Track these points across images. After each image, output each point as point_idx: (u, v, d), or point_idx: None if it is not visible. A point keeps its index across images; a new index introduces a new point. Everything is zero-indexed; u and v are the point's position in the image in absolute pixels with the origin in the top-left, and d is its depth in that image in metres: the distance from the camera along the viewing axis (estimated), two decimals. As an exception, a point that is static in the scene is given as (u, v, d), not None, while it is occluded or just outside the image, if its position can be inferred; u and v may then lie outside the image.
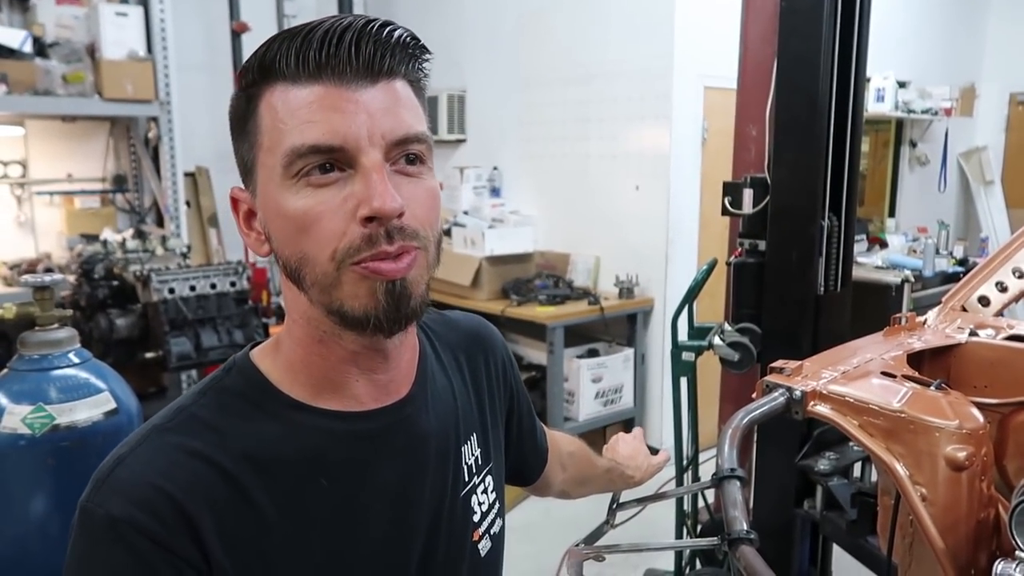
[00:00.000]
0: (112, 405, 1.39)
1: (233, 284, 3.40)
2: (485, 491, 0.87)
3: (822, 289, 2.21)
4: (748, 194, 2.31)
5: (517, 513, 3.64)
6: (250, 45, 4.59)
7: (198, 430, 0.69)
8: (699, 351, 2.51)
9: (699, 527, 2.69)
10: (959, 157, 6.11)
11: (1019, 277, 1.40)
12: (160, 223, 4.50)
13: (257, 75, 0.68)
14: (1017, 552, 0.80)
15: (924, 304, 3.83)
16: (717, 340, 2.35)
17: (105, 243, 3.84)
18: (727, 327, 2.35)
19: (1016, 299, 1.39)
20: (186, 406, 0.72)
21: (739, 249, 2.37)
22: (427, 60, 0.72)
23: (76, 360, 1.43)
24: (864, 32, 2.17)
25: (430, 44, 0.73)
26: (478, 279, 4.32)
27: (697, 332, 2.53)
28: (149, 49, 4.17)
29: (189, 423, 0.70)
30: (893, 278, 4.12)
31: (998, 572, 0.80)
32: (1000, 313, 1.38)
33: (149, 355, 3.25)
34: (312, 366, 0.73)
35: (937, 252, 4.47)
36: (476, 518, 0.85)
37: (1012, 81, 6.05)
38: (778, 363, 1.04)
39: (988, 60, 6.16)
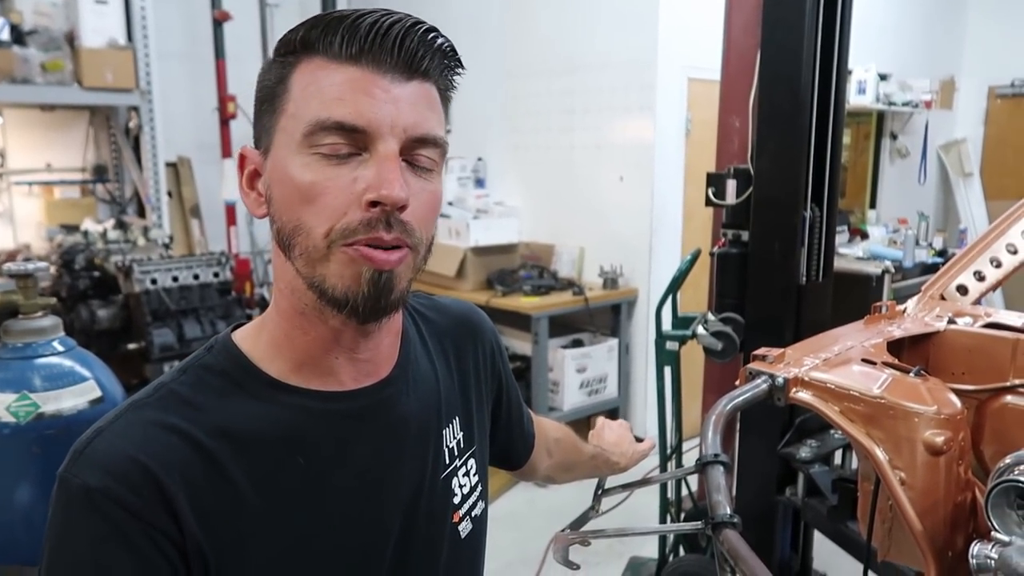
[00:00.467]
0: (97, 393, 1.38)
1: (216, 275, 3.39)
2: (467, 474, 0.88)
3: (804, 279, 2.23)
4: (731, 185, 2.33)
5: (502, 502, 3.66)
6: (232, 34, 4.56)
7: (175, 406, 0.70)
8: (683, 340, 2.53)
9: (682, 515, 2.72)
10: (939, 149, 6.17)
11: (997, 266, 1.42)
12: (141, 214, 4.46)
13: (299, 46, 0.69)
14: (993, 533, 0.82)
15: (904, 294, 3.87)
16: (701, 330, 2.37)
17: (86, 234, 3.80)
18: (710, 317, 2.37)
19: (994, 288, 1.41)
20: (165, 383, 0.72)
21: (722, 239, 2.39)
22: (459, 74, 0.75)
23: (60, 348, 1.42)
24: (846, 24, 2.18)
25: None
26: (463, 270, 4.32)
27: (681, 322, 2.55)
28: (129, 37, 4.12)
29: (167, 399, 0.71)
30: (874, 269, 4.16)
31: (974, 553, 0.82)
32: (978, 301, 1.41)
33: (132, 346, 3.23)
34: (294, 340, 0.74)
35: (917, 243, 4.52)
36: (456, 500, 0.86)
37: (991, 75, 6.11)
38: (761, 351, 1.06)
39: (968, 54, 6.21)
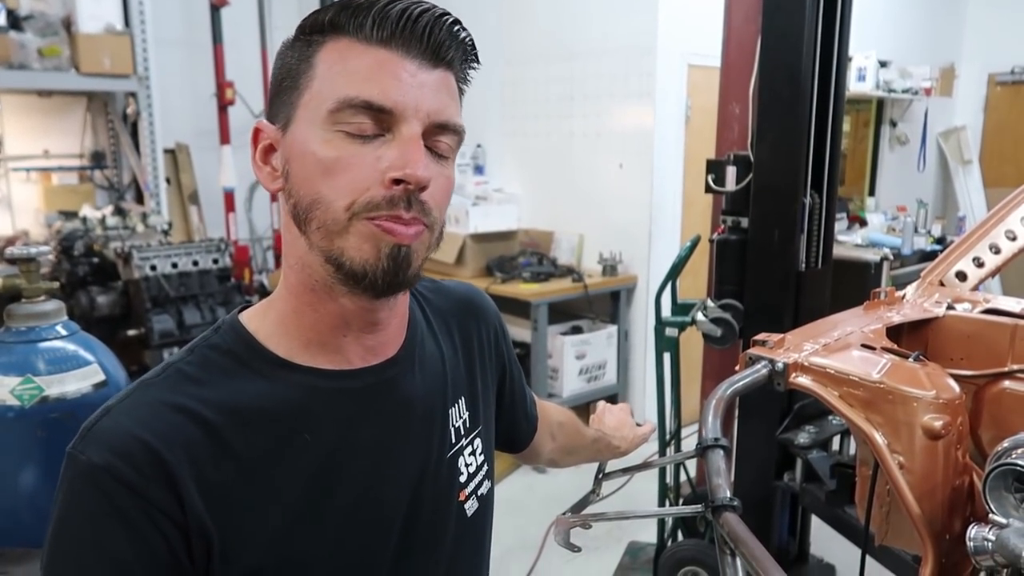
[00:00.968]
0: (101, 377, 1.39)
1: (215, 261, 3.38)
2: (473, 453, 0.89)
3: (803, 266, 2.24)
4: (731, 172, 2.33)
5: (502, 487, 3.68)
6: (229, 20, 4.54)
7: (182, 385, 0.71)
8: (682, 327, 2.53)
9: (681, 500, 2.74)
10: (938, 137, 6.16)
11: (995, 253, 1.43)
12: (140, 200, 4.44)
13: (327, 26, 0.70)
14: (991, 516, 0.83)
15: (903, 281, 3.87)
16: (700, 316, 2.37)
17: (84, 220, 3.79)
18: (710, 303, 2.38)
19: (992, 274, 1.42)
20: (173, 363, 0.73)
21: (722, 226, 2.39)
22: (475, 68, 0.78)
23: (64, 332, 1.42)
24: (847, 11, 2.18)
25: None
26: (462, 256, 4.32)
27: (680, 308, 2.56)
28: (126, 23, 4.10)
29: (174, 378, 0.72)
30: (872, 256, 4.17)
31: (972, 536, 0.83)
32: (977, 288, 1.42)
33: (131, 332, 3.23)
34: (303, 317, 0.75)
35: (916, 230, 4.53)
36: (463, 479, 0.87)
37: (991, 61, 6.09)
38: (761, 336, 1.06)
39: (968, 40, 6.20)
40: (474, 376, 0.93)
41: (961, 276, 1.43)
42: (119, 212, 3.96)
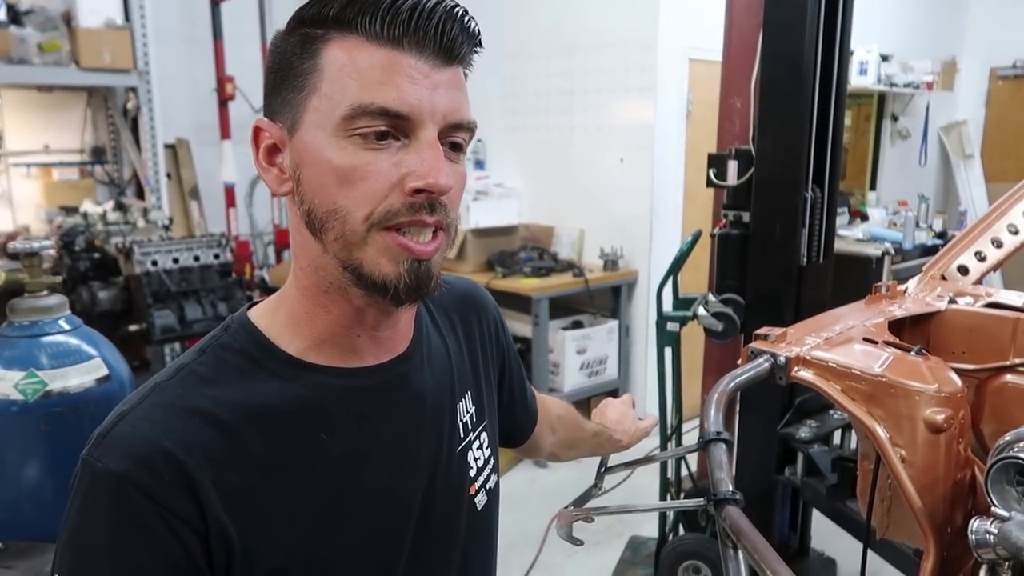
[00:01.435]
0: (104, 371, 1.39)
1: (217, 256, 3.38)
2: (480, 447, 0.89)
3: (805, 260, 2.24)
4: (732, 166, 2.32)
5: (503, 482, 3.66)
6: (230, 15, 4.53)
7: (197, 387, 0.70)
8: (683, 321, 2.53)
9: (682, 494, 2.74)
10: (939, 131, 6.15)
11: (997, 247, 1.43)
12: (140, 195, 4.44)
13: (331, 21, 0.68)
14: (993, 509, 0.83)
15: (904, 276, 3.86)
16: (701, 310, 2.37)
17: (85, 215, 3.79)
18: (711, 298, 2.38)
19: (994, 268, 1.42)
20: (186, 363, 0.73)
21: (723, 221, 2.39)
22: (479, 54, 0.76)
23: (67, 327, 1.42)
24: (849, 5, 2.18)
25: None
26: (463, 251, 4.32)
27: (681, 303, 2.56)
28: (127, 17, 4.09)
29: (188, 379, 0.71)
30: (874, 250, 4.17)
31: (974, 529, 0.83)
32: (978, 282, 1.41)
33: (132, 328, 3.23)
34: (316, 319, 0.74)
35: (917, 225, 4.52)
36: (472, 473, 0.87)
37: (993, 56, 6.08)
38: (763, 330, 1.06)
39: (969, 35, 6.18)
40: (478, 370, 0.93)
41: (963, 270, 1.43)
42: (120, 207, 3.96)
